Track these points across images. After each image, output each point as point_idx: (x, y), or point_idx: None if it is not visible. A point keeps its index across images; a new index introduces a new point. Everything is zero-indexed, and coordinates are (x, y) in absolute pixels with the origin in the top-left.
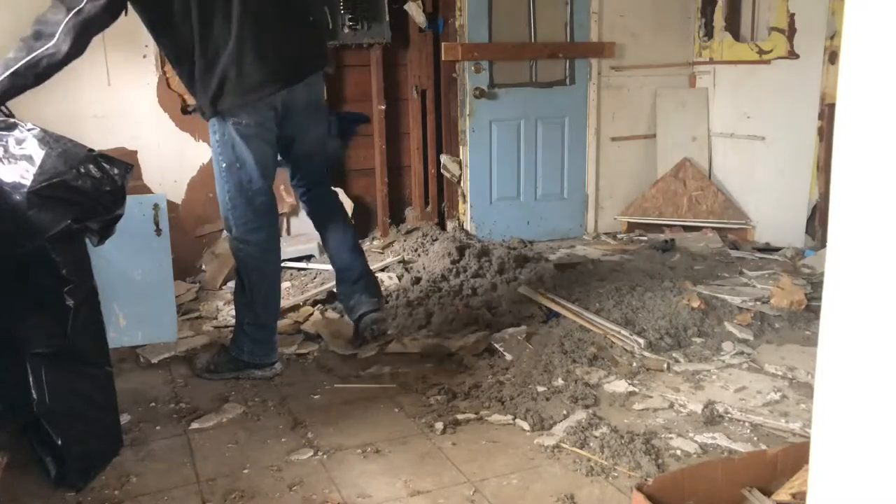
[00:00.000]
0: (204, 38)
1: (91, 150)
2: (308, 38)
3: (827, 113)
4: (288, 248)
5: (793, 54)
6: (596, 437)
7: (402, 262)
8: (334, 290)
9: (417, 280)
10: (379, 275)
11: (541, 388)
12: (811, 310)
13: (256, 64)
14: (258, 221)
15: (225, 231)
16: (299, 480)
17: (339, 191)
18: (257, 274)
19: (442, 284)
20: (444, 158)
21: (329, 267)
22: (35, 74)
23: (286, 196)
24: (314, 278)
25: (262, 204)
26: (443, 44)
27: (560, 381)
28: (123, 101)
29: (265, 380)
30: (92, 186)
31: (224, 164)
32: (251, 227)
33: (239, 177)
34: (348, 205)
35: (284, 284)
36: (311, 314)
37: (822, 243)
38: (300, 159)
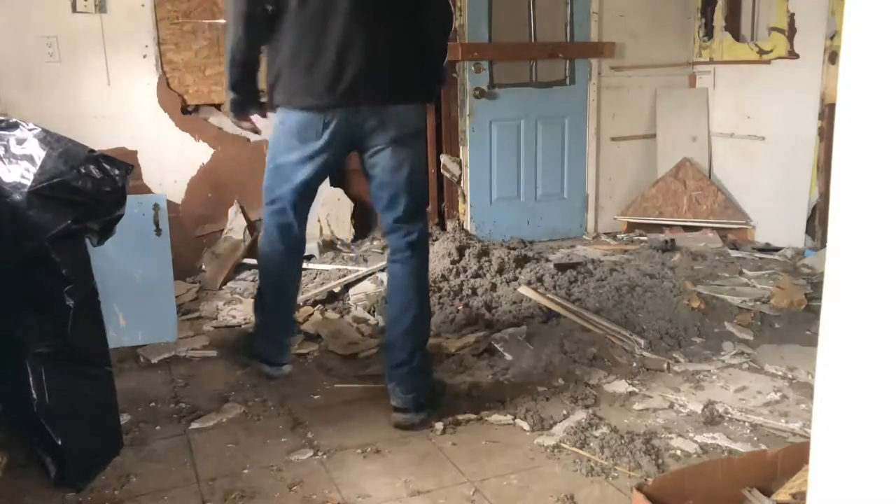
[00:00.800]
0: (275, 30)
1: (92, 151)
2: (390, 64)
3: (827, 113)
4: None
5: (793, 54)
6: (596, 437)
7: None
8: (335, 290)
9: None
10: (379, 275)
11: (541, 388)
12: (811, 310)
13: (302, 74)
14: (275, 230)
15: None
16: (299, 480)
17: (340, 191)
18: (267, 277)
19: (442, 284)
20: (444, 158)
21: (329, 266)
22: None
23: None
24: (314, 278)
25: (280, 212)
26: None
27: (560, 381)
28: (123, 101)
29: (269, 378)
30: (92, 187)
31: (268, 158)
32: (268, 233)
33: (271, 177)
34: (348, 205)
35: None
36: (311, 314)
37: (822, 243)
38: (372, 190)
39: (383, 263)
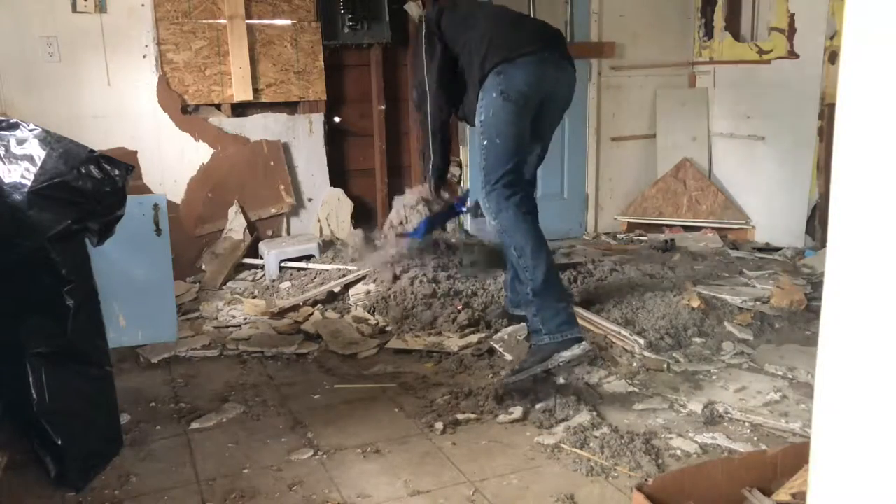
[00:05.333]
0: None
1: (92, 151)
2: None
3: (827, 113)
4: (287, 249)
5: (793, 54)
6: (596, 437)
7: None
8: (335, 290)
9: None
10: None
11: (541, 388)
12: (811, 310)
13: None
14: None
15: None
16: (299, 480)
17: (339, 191)
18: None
19: (442, 285)
20: None
21: (329, 266)
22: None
23: (286, 196)
24: (314, 278)
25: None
26: None
27: (560, 381)
28: (123, 101)
29: (576, 361)
30: (93, 187)
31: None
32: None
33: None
34: (348, 205)
35: (284, 284)
36: (311, 314)
37: (822, 243)
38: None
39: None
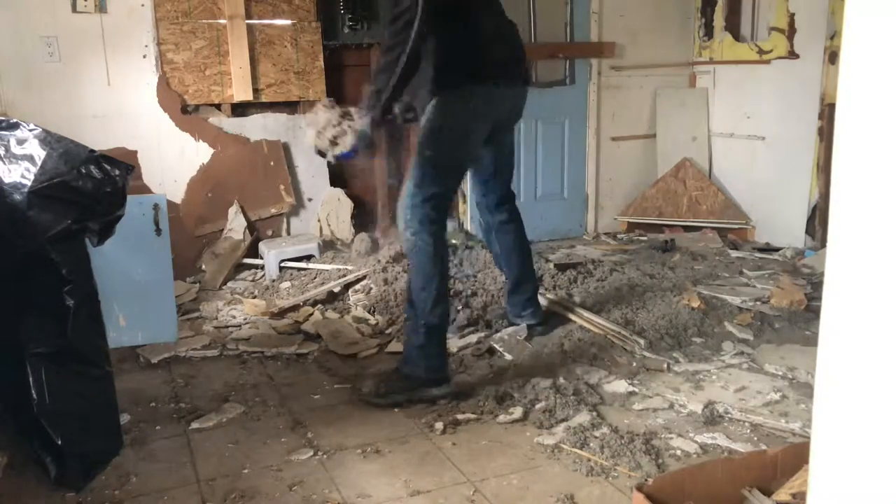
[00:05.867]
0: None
1: (92, 151)
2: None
3: (827, 113)
4: (287, 249)
5: (793, 54)
6: (596, 437)
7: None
8: (335, 290)
9: None
10: (380, 274)
11: (541, 388)
12: (811, 310)
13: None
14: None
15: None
16: (299, 480)
17: (340, 191)
18: (441, 284)
19: None
20: None
21: (329, 266)
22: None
23: (286, 196)
24: (314, 278)
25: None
26: None
27: (560, 381)
28: (123, 101)
29: (438, 399)
30: (93, 187)
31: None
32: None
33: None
34: (348, 205)
35: (284, 284)
36: (311, 314)
37: (822, 243)
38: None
39: (383, 263)
